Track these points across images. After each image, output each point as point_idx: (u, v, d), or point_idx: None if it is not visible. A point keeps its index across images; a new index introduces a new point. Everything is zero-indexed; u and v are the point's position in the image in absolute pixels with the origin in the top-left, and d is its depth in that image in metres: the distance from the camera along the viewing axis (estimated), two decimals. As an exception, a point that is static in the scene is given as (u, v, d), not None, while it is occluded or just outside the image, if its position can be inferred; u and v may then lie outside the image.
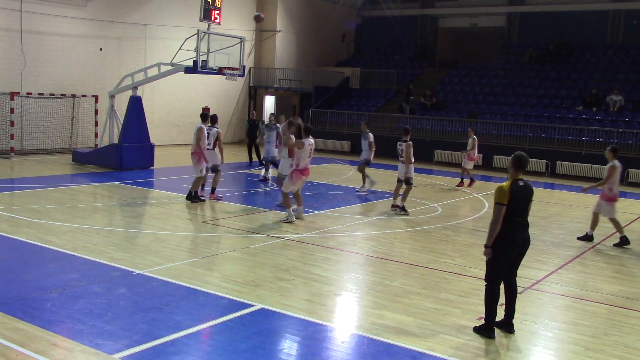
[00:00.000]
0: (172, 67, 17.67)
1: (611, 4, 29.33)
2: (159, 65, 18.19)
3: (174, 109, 26.90)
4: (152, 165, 18.82)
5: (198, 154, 13.26)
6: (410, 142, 13.28)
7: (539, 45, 30.06)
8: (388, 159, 23.17)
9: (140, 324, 6.37)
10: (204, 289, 7.55)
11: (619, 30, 29.72)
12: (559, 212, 15.23)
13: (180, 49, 17.01)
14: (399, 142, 13.49)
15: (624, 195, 19.19)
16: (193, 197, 13.35)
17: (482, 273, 8.96)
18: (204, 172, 13.47)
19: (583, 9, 29.71)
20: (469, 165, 18.32)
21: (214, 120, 14.04)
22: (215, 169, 13.85)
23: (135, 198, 13.79)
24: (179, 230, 10.86)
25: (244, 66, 18.91)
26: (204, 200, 13.39)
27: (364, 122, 17.15)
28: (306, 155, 11.75)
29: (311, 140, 11.86)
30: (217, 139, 13.72)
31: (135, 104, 18.49)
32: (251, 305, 7.05)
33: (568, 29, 29.78)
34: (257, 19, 17.22)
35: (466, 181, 18.49)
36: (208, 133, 13.54)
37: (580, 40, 29.49)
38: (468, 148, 18.34)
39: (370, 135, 16.15)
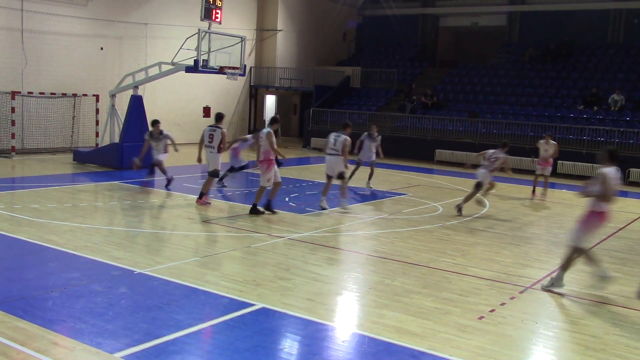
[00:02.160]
0: (173, 67, 17.68)
1: (612, 3, 29.31)
2: (159, 64, 18.20)
3: (175, 108, 26.92)
4: (153, 165, 18.80)
5: (268, 161, 12.13)
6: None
7: (540, 44, 30.07)
8: (388, 158, 23.19)
9: (141, 323, 6.37)
10: (204, 288, 7.56)
11: (619, 30, 29.71)
12: (560, 211, 15.22)
13: (181, 48, 17.03)
14: (493, 151, 13.95)
15: (624, 194, 19.19)
16: (255, 209, 12.21)
17: (483, 272, 8.99)
18: (272, 182, 12.28)
19: (584, 8, 29.70)
20: (547, 171, 17.00)
21: (219, 118, 13.25)
22: (215, 174, 13.18)
23: (136, 197, 13.79)
24: (179, 230, 10.87)
25: (245, 65, 18.93)
26: (262, 212, 12.21)
27: (375, 125, 17.99)
28: (610, 190, 8.04)
29: (614, 171, 8.13)
30: (221, 140, 12.88)
31: (136, 103, 18.49)
32: (252, 305, 7.05)
33: (569, 28, 29.78)
34: (134, 165, 15.91)
35: (538, 189, 17.27)
36: (212, 134, 12.91)
37: (580, 39, 29.49)
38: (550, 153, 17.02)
39: (380, 137, 17.10)
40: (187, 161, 21.71)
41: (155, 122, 15.28)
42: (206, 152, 13.10)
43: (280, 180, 12.41)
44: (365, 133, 17.16)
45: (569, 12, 30.07)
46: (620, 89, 24.67)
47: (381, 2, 33.73)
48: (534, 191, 17.03)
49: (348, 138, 13.09)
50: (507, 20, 32.54)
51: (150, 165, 15.33)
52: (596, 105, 24.60)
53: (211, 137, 12.93)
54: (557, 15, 30.57)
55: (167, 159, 15.38)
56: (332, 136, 13.22)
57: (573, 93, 26.37)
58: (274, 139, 12.14)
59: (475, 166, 14.42)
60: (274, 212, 12.28)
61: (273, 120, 12.80)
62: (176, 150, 15.44)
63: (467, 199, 13.75)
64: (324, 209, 13.04)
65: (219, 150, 12.95)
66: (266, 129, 12.36)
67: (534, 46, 30.04)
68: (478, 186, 13.80)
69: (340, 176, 13.15)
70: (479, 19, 33.60)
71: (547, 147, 16.99)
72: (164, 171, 15.11)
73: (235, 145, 15.78)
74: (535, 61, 29.32)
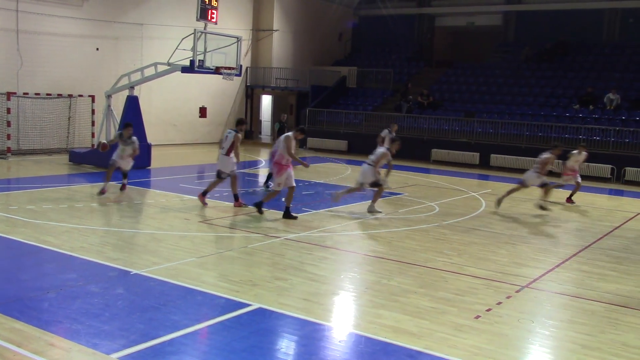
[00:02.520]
0: (169, 67, 17.67)
1: (607, 3, 29.39)
2: (155, 64, 18.18)
3: (171, 108, 26.90)
4: (149, 165, 18.80)
5: (279, 165, 12.03)
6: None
7: (536, 44, 30.10)
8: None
9: (137, 323, 6.36)
10: (201, 289, 7.55)
11: (615, 29, 29.78)
12: (556, 211, 15.24)
13: (177, 48, 17.02)
14: (545, 153, 14.26)
15: (620, 193, 19.24)
16: (288, 214, 12.10)
17: (479, 272, 9.00)
18: (282, 186, 12.17)
19: (579, 7, 29.77)
20: (578, 179, 16.10)
21: (237, 123, 13.28)
22: (219, 175, 13.06)
23: (132, 198, 13.77)
24: (176, 230, 10.86)
25: (241, 66, 18.92)
26: (295, 217, 12.06)
27: (396, 124, 19.07)
28: None
29: None
30: (232, 144, 12.76)
31: (132, 104, 18.47)
32: (248, 305, 7.05)
33: (564, 27, 29.86)
34: (101, 147, 15.17)
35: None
36: (227, 135, 12.87)
37: (576, 39, 29.54)
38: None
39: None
40: (185, 161, 21.71)
41: (128, 125, 14.24)
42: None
43: (294, 184, 12.25)
44: (386, 130, 17.97)
45: (564, 11, 30.14)
46: (615, 88, 24.73)
47: (377, 2, 33.75)
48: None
49: (386, 151, 13.37)
50: (502, 20, 32.60)
51: (123, 175, 14.08)
52: (592, 104, 24.66)
53: (226, 138, 12.97)
54: (552, 14, 30.65)
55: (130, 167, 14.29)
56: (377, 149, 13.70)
57: (569, 92, 26.43)
58: (292, 144, 12.02)
59: (550, 172, 14.85)
60: (293, 218, 12.04)
61: (300, 130, 12.55)
62: (132, 159, 14.19)
63: (508, 193, 14.52)
64: (333, 198, 13.33)
65: (227, 153, 12.87)
66: (288, 133, 12.34)
67: (530, 46, 30.08)
68: (521, 183, 14.42)
69: (375, 185, 13.20)
70: (475, 19, 33.65)
71: (579, 157, 16.04)
72: (108, 177, 13.88)
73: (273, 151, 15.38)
74: (531, 61, 29.37)
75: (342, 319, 7.12)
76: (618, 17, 29.52)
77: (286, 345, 6.20)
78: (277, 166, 12.10)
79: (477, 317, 7.05)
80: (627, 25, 29.29)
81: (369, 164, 13.17)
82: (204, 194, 13.16)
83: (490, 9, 32.52)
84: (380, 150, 13.46)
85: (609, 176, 21.47)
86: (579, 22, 29.70)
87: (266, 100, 33.29)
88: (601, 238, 11.89)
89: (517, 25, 32.19)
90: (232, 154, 12.90)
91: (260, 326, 6.49)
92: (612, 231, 12.66)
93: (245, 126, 13.22)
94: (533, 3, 31.42)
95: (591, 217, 14.46)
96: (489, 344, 6.30)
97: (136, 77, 18.88)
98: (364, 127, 26.63)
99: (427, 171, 22.28)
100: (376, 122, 26.85)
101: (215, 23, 17.50)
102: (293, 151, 12.09)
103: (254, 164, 21.91)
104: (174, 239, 10.17)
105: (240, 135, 12.98)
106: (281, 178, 12.07)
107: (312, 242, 10.33)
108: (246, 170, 19.40)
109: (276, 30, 31.04)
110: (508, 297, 7.89)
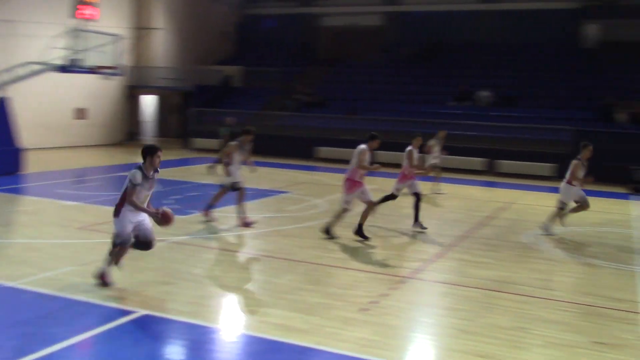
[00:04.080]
0: (41, 67, 16.75)
1: (484, 5, 30.92)
2: (27, 64, 17.15)
3: (48, 110, 25.43)
4: (21, 170, 17.63)
5: (351, 180, 10.62)
6: (574, 161, 11.76)
7: (414, 44, 31.25)
8: (271, 157, 23.30)
9: (9, 340, 5.96)
10: (82, 299, 7.20)
11: (487, 29, 31.24)
12: (433, 203, 15.90)
13: (50, 47, 16.16)
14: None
15: (493, 185, 20.37)
16: (361, 232, 10.78)
17: (363, 265, 9.23)
18: (351, 205, 10.72)
19: (455, 9, 31.21)
20: None
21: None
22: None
23: (1, 206, 12.90)
24: (54, 238, 10.29)
25: (121, 65, 18.27)
26: (368, 238, 10.82)
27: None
28: None
29: None
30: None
31: (2, 106, 17.29)
32: (133, 312, 6.82)
33: (441, 28, 31.20)
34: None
35: None
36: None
37: (453, 39, 30.92)
38: None
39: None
40: (62, 165, 20.61)
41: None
42: None
43: (372, 199, 10.82)
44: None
45: (441, 12, 31.49)
46: (488, 86, 26.23)
47: (261, 1, 33.71)
48: None
49: None
50: (383, 21, 33.53)
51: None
52: (467, 101, 26.03)
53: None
54: (428, 15, 31.92)
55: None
56: None
57: (445, 90, 27.65)
58: (366, 156, 10.54)
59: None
60: (365, 238, 10.82)
61: (372, 137, 10.78)
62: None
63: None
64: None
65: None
66: (362, 145, 10.67)
67: (409, 46, 31.20)
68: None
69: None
70: (358, 19, 34.33)
71: None
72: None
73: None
74: (411, 60, 30.52)
75: (231, 320, 7.06)
76: (494, 18, 31.06)
77: (174, 351, 6.07)
78: (348, 182, 10.64)
79: (364, 309, 7.23)
80: (500, 27, 30.87)
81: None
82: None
83: (370, 9, 33.38)
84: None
85: (485, 169, 22.70)
86: (455, 23, 31.15)
87: (149, 101, 32.35)
88: (477, 228, 12.56)
89: (397, 26, 33.26)
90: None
91: (147, 333, 6.31)
92: (486, 221, 13.41)
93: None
94: (410, 4, 32.57)
95: (467, 208, 15.23)
96: (376, 335, 6.48)
97: (5, 77, 17.70)
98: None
99: (312, 168, 22.55)
100: (262, 122, 26.79)
101: (94, 20, 16.82)
102: (366, 164, 10.57)
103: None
104: (51, 247, 9.64)
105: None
106: (351, 196, 10.67)
107: (198, 244, 10.16)
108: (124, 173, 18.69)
109: (159, 29, 30.21)
110: (392, 289, 8.15)
